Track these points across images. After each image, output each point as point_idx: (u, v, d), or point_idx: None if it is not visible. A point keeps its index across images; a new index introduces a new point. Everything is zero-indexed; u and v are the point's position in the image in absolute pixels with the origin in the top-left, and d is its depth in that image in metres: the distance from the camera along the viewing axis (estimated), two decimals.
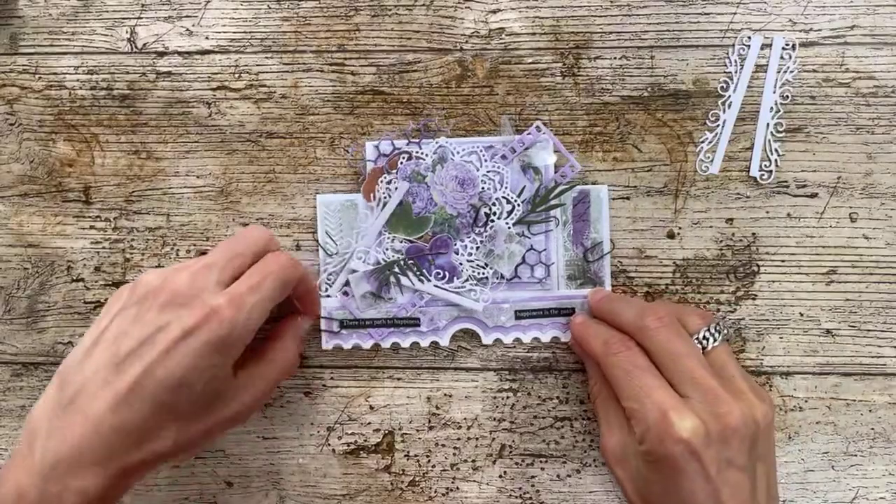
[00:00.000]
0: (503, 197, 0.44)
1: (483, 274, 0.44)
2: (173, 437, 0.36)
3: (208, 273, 0.37)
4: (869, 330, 0.44)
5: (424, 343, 0.45)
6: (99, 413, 0.35)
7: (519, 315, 0.45)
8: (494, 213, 0.44)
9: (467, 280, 0.44)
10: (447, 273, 0.44)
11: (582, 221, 0.45)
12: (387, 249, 0.45)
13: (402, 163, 0.45)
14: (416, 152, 0.45)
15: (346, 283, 0.45)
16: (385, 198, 0.45)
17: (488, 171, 0.45)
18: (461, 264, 0.44)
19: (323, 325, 0.45)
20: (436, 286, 0.44)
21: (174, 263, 0.44)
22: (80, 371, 0.36)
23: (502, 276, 0.45)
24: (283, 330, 0.43)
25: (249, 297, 0.37)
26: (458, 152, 0.45)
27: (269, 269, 0.38)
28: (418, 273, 0.45)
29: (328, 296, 0.45)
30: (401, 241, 0.45)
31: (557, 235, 0.45)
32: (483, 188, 0.45)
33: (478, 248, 0.44)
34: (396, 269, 0.45)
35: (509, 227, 0.44)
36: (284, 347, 0.42)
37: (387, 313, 0.45)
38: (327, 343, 0.45)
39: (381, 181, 0.45)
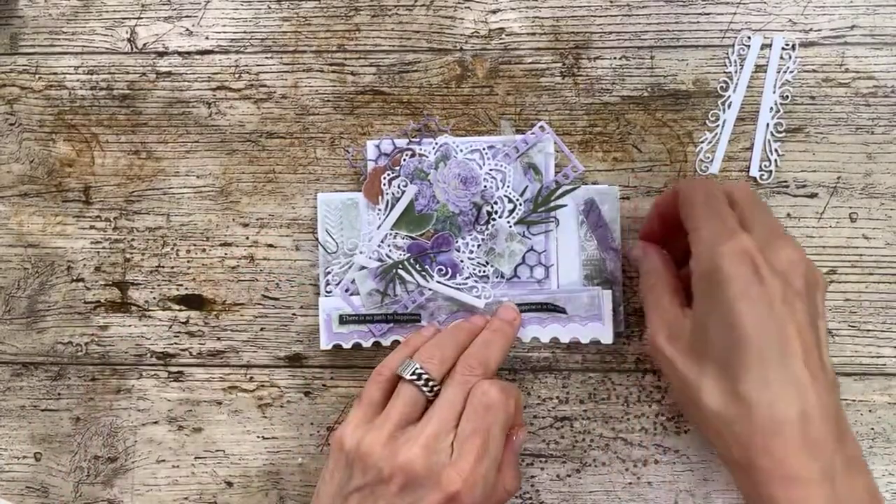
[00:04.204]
0: (505, 196, 0.44)
1: (484, 272, 0.44)
2: None
3: (438, 444, 0.37)
4: (869, 330, 0.44)
5: None
6: None
7: (519, 309, 0.44)
8: (496, 212, 0.44)
9: (469, 277, 0.44)
10: (449, 269, 0.45)
11: (600, 227, 0.45)
12: (389, 246, 0.45)
13: (405, 160, 0.45)
14: (420, 150, 0.45)
15: (352, 282, 0.45)
16: (393, 198, 0.45)
17: (491, 170, 0.45)
18: (462, 262, 0.45)
19: (322, 324, 0.45)
20: (438, 282, 0.44)
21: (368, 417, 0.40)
22: None
23: (502, 276, 0.45)
24: (502, 459, 0.39)
25: (479, 467, 0.36)
26: (461, 150, 0.45)
27: (487, 423, 0.37)
28: (421, 270, 0.45)
29: (329, 293, 0.45)
30: (402, 238, 0.45)
31: (557, 236, 0.45)
32: (485, 186, 0.45)
33: (479, 246, 0.44)
34: (401, 267, 0.45)
35: (510, 226, 0.44)
36: (506, 476, 0.39)
37: (387, 309, 0.45)
38: (327, 343, 0.45)
39: (386, 178, 0.45)
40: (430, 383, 0.39)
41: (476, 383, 0.39)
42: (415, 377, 0.39)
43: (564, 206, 0.45)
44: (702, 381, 0.35)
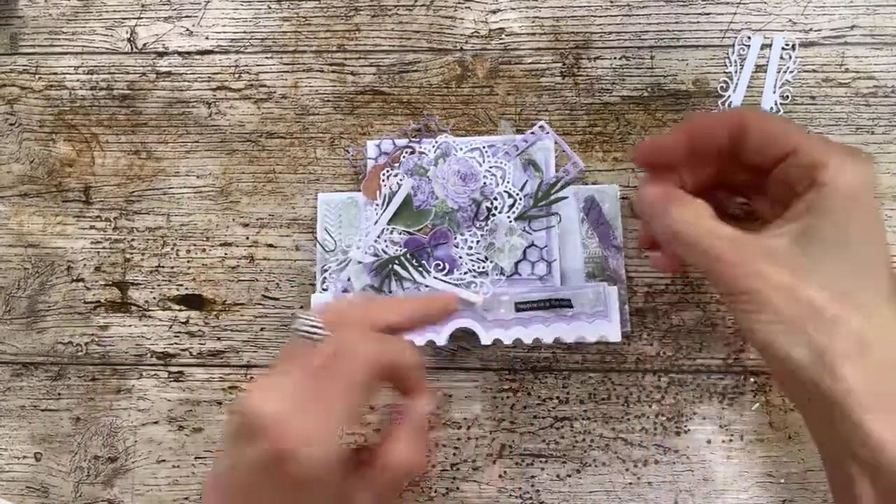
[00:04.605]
0: (505, 191, 0.44)
1: (483, 268, 0.44)
2: None
3: (288, 393, 0.32)
4: None
5: (420, 342, 0.45)
6: None
7: (519, 307, 0.44)
8: (496, 208, 0.44)
9: (467, 273, 0.44)
10: (446, 265, 0.44)
11: (602, 225, 0.45)
12: (385, 241, 0.45)
13: (404, 157, 0.45)
14: (419, 149, 0.45)
15: (347, 279, 0.45)
16: (391, 193, 0.45)
17: (491, 167, 0.45)
18: (461, 257, 0.44)
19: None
20: (435, 278, 0.44)
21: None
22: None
23: (502, 272, 0.44)
24: (395, 426, 0.35)
25: (322, 422, 0.31)
26: (460, 148, 0.45)
27: (343, 375, 0.32)
28: (418, 266, 0.45)
29: (325, 289, 0.45)
30: (399, 233, 0.45)
31: (559, 233, 0.45)
32: (485, 183, 0.45)
33: (478, 241, 0.44)
34: (397, 263, 0.45)
35: (510, 221, 0.44)
36: (394, 449, 0.34)
37: None
38: None
39: (385, 174, 0.45)
40: (321, 333, 0.34)
41: (349, 334, 0.34)
42: (302, 328, 0.34)
43: (565, 197, 0.44)
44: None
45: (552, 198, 0.45)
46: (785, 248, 0.33)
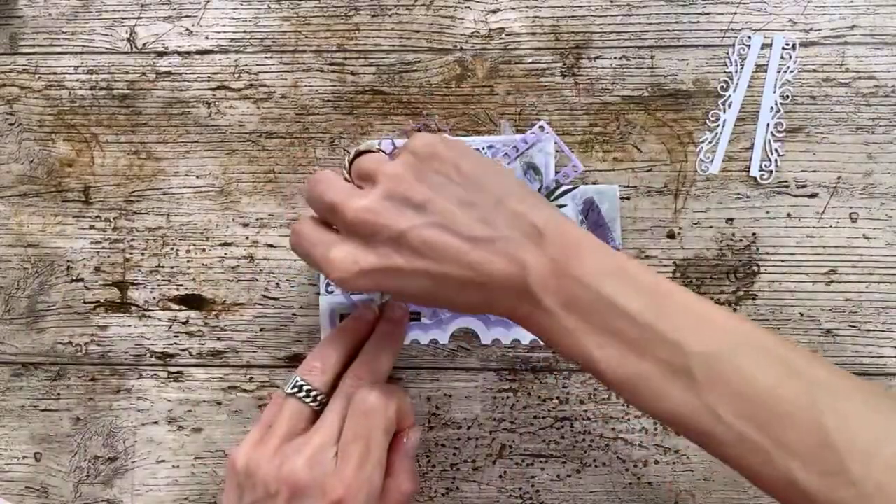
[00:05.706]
0: None
1: None
2: None
3: (321, 455, 0.37)
4: (869, 330, 0.44)
5: (425, 340, 0.45)
6: None
7: None
8: None
9: None
10: None
11: (600, 227, 0.45)
12: None
13: None
14: None
15: None
16: None
17: None
18: None
19: (323, 322, 0.45)
20: None
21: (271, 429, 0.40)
22: None
23: None
24: (392, 462, 0.39)
25: (362, 473, 0.36)
26: None
27: (368, 429, 0.37)
28: None
29: (330, 292, 0.45)
30: None
31: None
32: None
33: None
34: None
35: None
36: (397, 484, 0.39)
37: None
38: None
39: None
40: (313, 393, 0.39)
41: (357, 391, 0.38)
42: (296, 390, 0.39)
43: (564, 206, 0.45)
44: None
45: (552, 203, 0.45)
46: None
